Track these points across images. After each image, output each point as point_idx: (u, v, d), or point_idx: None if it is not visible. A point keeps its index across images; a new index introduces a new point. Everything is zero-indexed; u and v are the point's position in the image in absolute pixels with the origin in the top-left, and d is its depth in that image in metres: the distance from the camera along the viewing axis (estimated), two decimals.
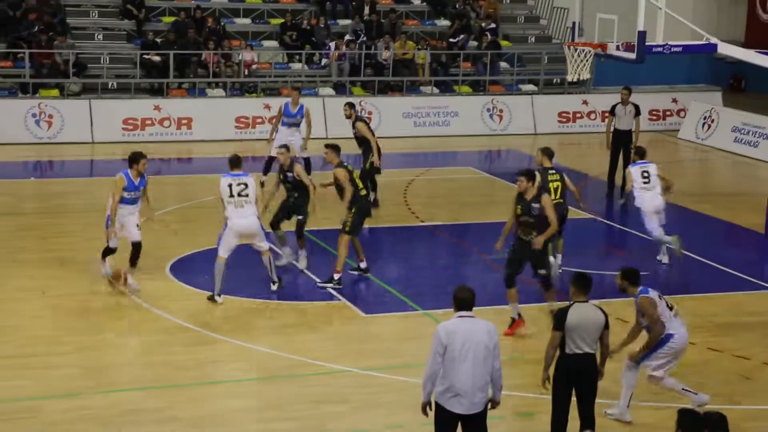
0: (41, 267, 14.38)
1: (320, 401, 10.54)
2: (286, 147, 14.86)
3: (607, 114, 20.45)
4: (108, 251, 13.47)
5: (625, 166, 19.02)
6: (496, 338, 8.25)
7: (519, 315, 12.48)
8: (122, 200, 13.05)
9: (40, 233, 16.12)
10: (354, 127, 17.44)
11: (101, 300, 13.06)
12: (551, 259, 13.43)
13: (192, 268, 14.53)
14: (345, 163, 14.25)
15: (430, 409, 8.34)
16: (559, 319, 9.03)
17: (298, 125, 18.76)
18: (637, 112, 19.25)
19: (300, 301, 13.40)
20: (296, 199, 14.44)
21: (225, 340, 12.04)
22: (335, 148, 14.32)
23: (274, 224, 14.46)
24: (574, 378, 9.11)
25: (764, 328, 13.22)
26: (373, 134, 17.48)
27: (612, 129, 19.42)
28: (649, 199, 15.26)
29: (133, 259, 13.29)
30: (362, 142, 17.48)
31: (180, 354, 11.62)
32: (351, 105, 17.89)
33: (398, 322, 12.94)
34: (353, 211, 13.86)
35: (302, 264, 14.48)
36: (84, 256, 14.80)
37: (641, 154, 15.76)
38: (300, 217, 14.39)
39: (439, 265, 15.25)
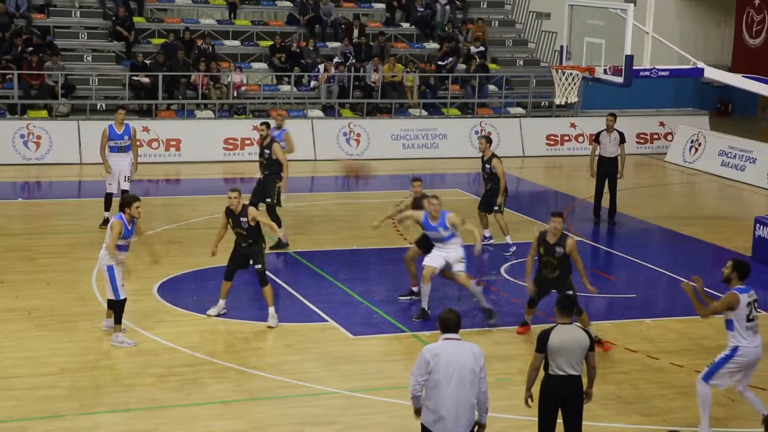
0: (28, 288, 14.33)
1: (306, 423, 10.50)
2: (238, 191, 13.25)
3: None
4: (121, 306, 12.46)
5: (612, 193, 18.99)
6: (482, 361, 8.24)
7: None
8: (117, 247, 12.31)
9: (28, 254, 16.08)
10: (270, 148, 16.44)
11: (87, 321, 13.00)
12: None
13: (179, 289, 14.50)
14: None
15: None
16: (541, 341, 9.01)
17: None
18: (622, 140, 18.93)
19: (288, 322, 13.36)
20: (249, 246, 13.13)
21: (211, 361, 12.00)
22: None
23: (229, 275, 13.28)
24: (559, 399, 9.09)
25: None
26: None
27: (597, 156, 19.13)
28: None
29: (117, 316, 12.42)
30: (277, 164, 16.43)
31: (165, 375, 11.56)
32: (267, 125, 16.73)
33: (385, 343, 12.91)
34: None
35: (272, 322, 13.13)
36: (71, 277, 14.76)
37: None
38: (258, 266, 13.11)
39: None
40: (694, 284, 10.35)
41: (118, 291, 12.30)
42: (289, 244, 16.47)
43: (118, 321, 12.38)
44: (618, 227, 18.95)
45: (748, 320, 10.04)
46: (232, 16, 27.63)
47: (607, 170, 18.91)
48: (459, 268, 13.51)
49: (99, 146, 17.30)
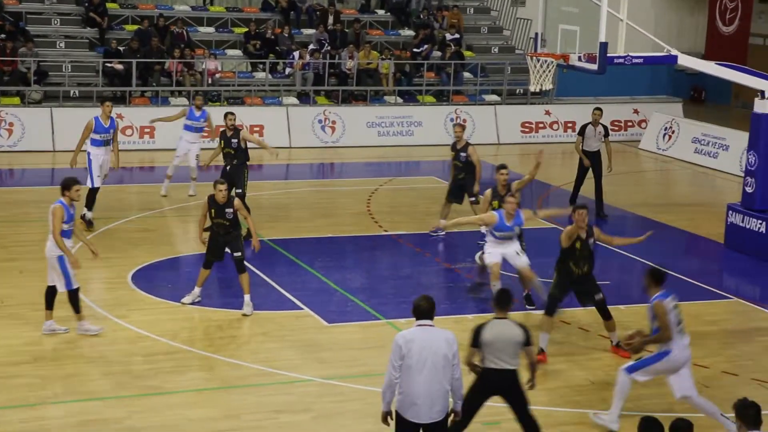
0: (1, 276, 14.23)
1: (281, 410, 10.51)
2: (225, 183, 13.29)
3: (572, 128, 20.36)
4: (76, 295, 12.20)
5: (597, 188, 18.90)
6: (455, 347, 8.26)
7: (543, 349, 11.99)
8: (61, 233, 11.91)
9: (0, 242, 15.96)
10: (238, 137, 16.48)
11: (60, 310, 12.92)
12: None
13: (154, 278, 14.44)
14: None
15: (391, 419, 8.34)
16: (475, 335, 9.02)
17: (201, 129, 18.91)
18: (606, 133, 18.80)
19: (263, 310, 13.34)
20: (228, 234, 13.12)
21: (185, 349, 11.98)
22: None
23: (208, 264, 13.24)
24: (496, 391, 9.16)
25: (723, 336, 13.37)
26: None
27: (581, 149, 18.86)
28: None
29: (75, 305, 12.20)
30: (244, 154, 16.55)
31: (139, 364, 11.53)
32: (234, 115, 16.98)
33: (361, 331, 12.93)
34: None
35: (248, 310, 13.11)
36: (44, 266, 14.61)
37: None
38: (237, 254, 13.12)
39: (402, 275, 15.26)
40: (632, 340, 10.42)
41: (71, 281, 11.99)
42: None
43: (77, 310, 12.19)
44: (591, 214, 18.97)
45: (678, 324, 10.17)
46: (207, 1, 27.48)
47: (590, 165, 18.85)
48: (522, 260, 13.40)
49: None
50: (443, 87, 26.98)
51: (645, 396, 11.07)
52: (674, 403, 10.73)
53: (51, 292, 12.19)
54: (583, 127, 18.92)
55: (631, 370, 10.32)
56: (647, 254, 16.34)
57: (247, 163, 16.52)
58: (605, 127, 18.96)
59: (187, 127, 19.03)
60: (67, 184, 12.03)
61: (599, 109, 19.08)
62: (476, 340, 9.02)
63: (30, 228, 16.77)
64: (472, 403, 9.09)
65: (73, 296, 12.10)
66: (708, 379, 11.70)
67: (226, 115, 16.89)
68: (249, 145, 16.60)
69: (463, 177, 16.70)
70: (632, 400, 10.93)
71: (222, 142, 16.69)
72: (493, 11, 30.53)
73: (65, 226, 11.94)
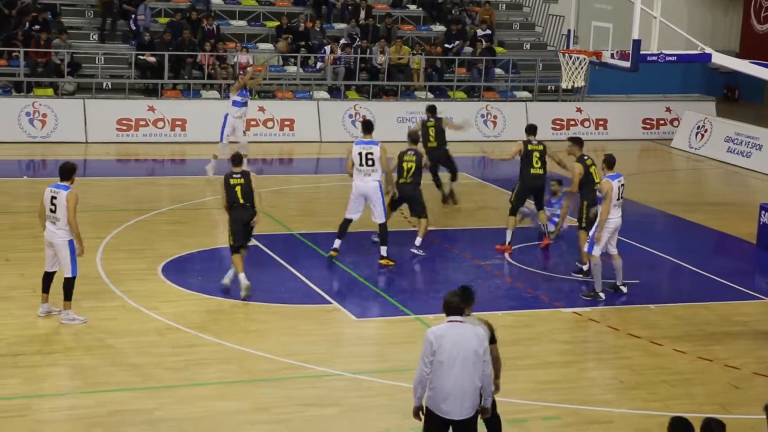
0: (32, 266, 14.30)
1: (309, 404, 10.53)
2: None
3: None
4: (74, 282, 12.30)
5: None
6: (486, 343, 8.24)
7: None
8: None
9: (33, 232, 16.00)
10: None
11: (91, 300, 13.02)
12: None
13: (184, 270, 14.51)
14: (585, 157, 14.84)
15: (422, 414, 8.33)
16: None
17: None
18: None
19: (292, 304, 13.38)
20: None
21: (215, 341, 12.02)
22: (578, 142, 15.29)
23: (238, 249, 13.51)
24: None
25: (754, 337, 13.25)
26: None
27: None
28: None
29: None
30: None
31: (169, 355, 11.59)
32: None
33: (389, 326, 12.93)
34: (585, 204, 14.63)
35: (227, 281, 13.54)
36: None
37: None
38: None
39: (431, 270, 15.25)
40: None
41: (76, 267, 12.16)
42: None
43: (69, 298, 12.25)
44: (622, 212, 18.90)
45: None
46: None
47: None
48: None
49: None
50: (474, 83, 26.91)
51: (674, 396, 11.02)
52: (703, 404, 10.68)
53: (49, 277, 12.33)
54: None
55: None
56: (680, 254, 16.28)
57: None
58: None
59: (236, 103, 19.70)
60: (75, 169, 12.26)
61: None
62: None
63: None
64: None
65: (72, 283, 12.21)
66: (739, 380, 11.62)
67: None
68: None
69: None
70: (660, 401, 10.89)
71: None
72: (526, 7, 30.41)
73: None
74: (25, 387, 10.60)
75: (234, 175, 13.30)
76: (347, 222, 15.07)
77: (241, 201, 13.23)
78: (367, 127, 15.26)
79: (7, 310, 12.70)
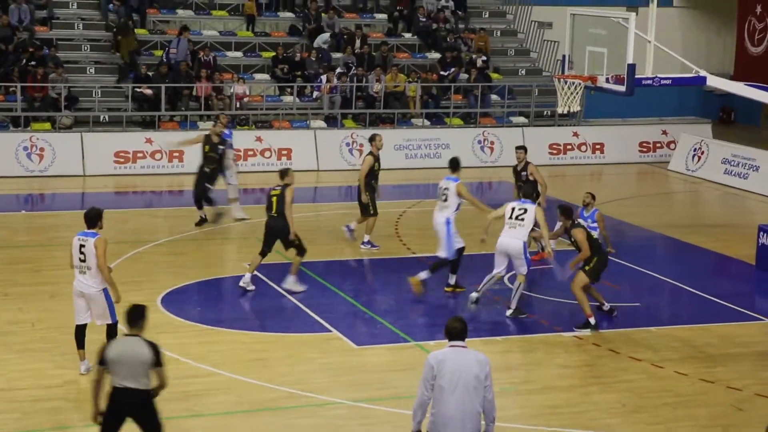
0: (32, 300, 14.33)
1: None
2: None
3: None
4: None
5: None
6: (487, 369, 8.21)
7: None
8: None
9: (32, 266, 16.09)
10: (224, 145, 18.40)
11: (91, 333, 12.96)
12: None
13: (183, 301, 14.49)
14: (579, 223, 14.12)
15: None
16: (101, 353, 8.78)
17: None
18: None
19: (292, 332, 13.35)
20: (212, 171, 16.14)
21: (215, 371, 11.99)
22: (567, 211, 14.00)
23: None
24: (123, 411, 8.80)
25: (756, 358, 13.23)
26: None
27: None
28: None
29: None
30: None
31: (169, 386, 11.51)
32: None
33: (389, 353, 12.90)
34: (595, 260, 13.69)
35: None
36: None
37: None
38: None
39: (431, 297, 15.23)
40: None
41: (115, 313, 11.40)
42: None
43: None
44: (621, 236, 18.93)
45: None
46: (250, 27, 27.65)
47: None
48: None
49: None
50: (471, 109, 26.99)
51: (677, 418, 10.97)
52: (706, 426, 10.62)
53: (81, 331, 11.70)
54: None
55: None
56: (679, 276, 16.28)
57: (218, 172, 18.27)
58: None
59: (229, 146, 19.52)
60: (100, 215, 11.53)
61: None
62: (100, 358, 8.74)
63: (61, 252, 16.80)
64: (106, 427, 8.79)
65: (116, 330, 11.50)
66: (741, 401, 11.58)
67: (218, 116, 18.81)
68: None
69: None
70: (663, 423, 10.83)
71: (207, 146, 18.14)
72: (520, 34, 30.55)
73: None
74: (25, 421, 10.56)
75: (276, 187, 14.61)
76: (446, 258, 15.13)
77: (274, 212, 14.45)
78: (453, 164, 15.78)
79: (6, 344, 12.67)
